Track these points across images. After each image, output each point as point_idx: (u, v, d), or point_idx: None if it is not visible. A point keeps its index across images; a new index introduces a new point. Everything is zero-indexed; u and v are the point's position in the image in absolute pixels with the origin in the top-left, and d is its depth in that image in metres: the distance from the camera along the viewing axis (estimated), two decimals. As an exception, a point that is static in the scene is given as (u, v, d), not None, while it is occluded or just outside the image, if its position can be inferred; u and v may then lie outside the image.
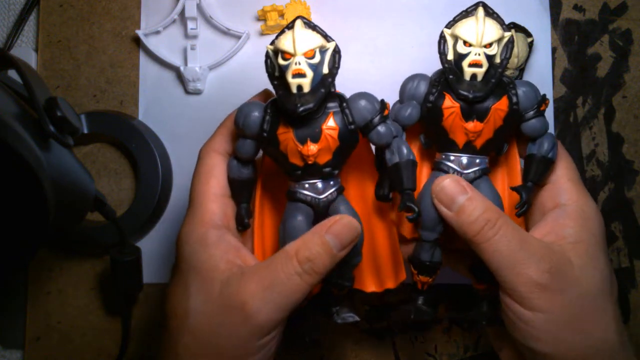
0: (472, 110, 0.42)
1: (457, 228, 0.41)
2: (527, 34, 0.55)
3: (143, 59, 0.57)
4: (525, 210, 0.43)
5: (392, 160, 0.41)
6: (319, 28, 0.40)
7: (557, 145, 0.44)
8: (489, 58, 0.41)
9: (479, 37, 0.41)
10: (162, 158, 0.55)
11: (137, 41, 0.57)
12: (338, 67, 0.40)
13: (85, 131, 0.55)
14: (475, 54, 0.41)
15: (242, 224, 0.44)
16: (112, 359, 0.56)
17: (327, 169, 0.41)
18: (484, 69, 0.41)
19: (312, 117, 0.40)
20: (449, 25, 0.43)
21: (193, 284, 0.41)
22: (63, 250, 0.57)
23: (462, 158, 0.43)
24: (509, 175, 0.46)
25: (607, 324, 0.41)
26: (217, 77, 0.57)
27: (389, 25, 0.57)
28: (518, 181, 0.45)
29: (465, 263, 0.46)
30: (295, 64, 0.38)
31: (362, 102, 0.41)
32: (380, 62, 0.57)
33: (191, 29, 0.56)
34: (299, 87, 0.39)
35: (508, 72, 0.53)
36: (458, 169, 0.43)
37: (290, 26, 0.40)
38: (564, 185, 0.43)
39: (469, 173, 0.43)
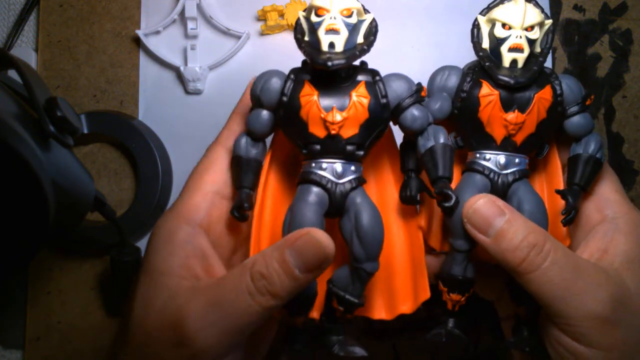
0: (513, 99, 0.37)
1: (497, 256, 0.36)
2: (527, 34, 0.55)
3: (143, 59, 0.57)
4: (573, 217, 0.38)
5: (426, 146, 0.36)
6: None
7: (603, 146, 0.40)
8: (531, 43, 0.37)
9: (521, 17, 0.37)
10: (162, 158, 0.55)
11: (137, 41, 0.57)
12: (374, 40, 0.36)
13: (85, 131, 0.55)
14: (517, 37, 0.37)
15: (240, 211, 0.38)
16: (112, 359, 0.57)
17: (351, 147, 0.36)
18: (525, 54, 0.37)
19: (341, 84, 0.36)
20: (484, 12, 0.39)
21: (141, 285, 0.37)
22: (63, 250, 0.57)
23: (499, 157, 0.38)
24: (549, 182, 0.41)
25: None
26: (217, 77, 0.57)
27: (389, 26, 0.57)
28: (559, 188, 0.40)
29: (494, 283, 0.41)
30: (331, 18, 0.35)
31: (398, 80, 0.37)
32: (381, 62, 0.56)
33: (191, 29, 0.56)
34: (331, 44, 0.35)
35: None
36: (495, 169, 0.38)
37: None
38: (611, 197, 0.39)
39: (507, 174, 0.38)
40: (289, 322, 0.38)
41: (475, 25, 0.39)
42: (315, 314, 0.39)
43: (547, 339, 0.37)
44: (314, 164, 0.37)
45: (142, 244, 0.56)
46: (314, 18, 0.36)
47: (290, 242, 0.34)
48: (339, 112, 0.35)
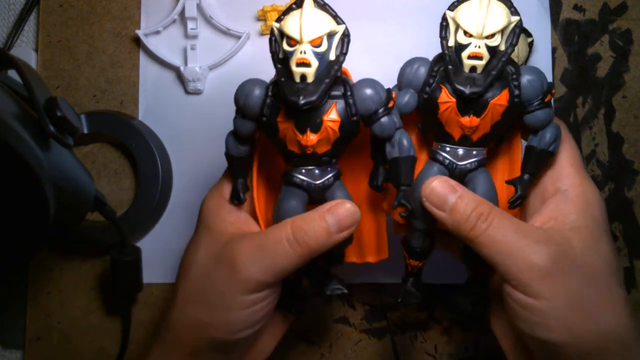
0: (468, 105, 0.40)
1: (451, 228, 0.40)
2: (527, 34, 0.55)
3: (143, 59, 0.57)
4: (519, 204, 0.41)
5: (391, 154, 0.40)
6: (330, 7, 0.38)
7: (561, 134, 0.42)
8: (491, 49, 0.38)
9: (480, 27, 0.38)
10: (162, 158, 0.55)
11: (137, 41, 0.57)
12: (346, 53, 0.38)
13: (85, 131, 0.55)
14: (475, 46, 0.38)
15: (238, 198, 0.43)
16: (112, 359, 0.56)
17: (325, 158, 0.40)
18: (484, 62, 0.38)
19: (314, 106, 0.38)
20: (452, 6, 0.40)
21: (203, 241, 0.44)
22: (63, 250, 0.57)
23: (458, 150, 0.41)
24: (510, 165, 0.44)
25: (617, 308, 0.39)
26: (217, 77, 0.57)
27: (389, 26, 0.57)
28: (519, 172, 0.43)
29: (457, 248, 0.46)
30: (301, 52, 0.37)
31: (368, 91, 0.39)
32: (380, 62, 0.57)
33: (191, 29, 0.56)
34: (303, 77, 0.37)
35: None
36: (454, 160, 0.42)
37: (299, 3, 0.38)
38: (565, 170, 0.42)
39: (465, 164, 0.42)
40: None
41: (444, 20, 0.40)
42: None
43: (503, 299, 0.41)
44: (294, 170, 0.41)
45: (142, 244, 0.56)
46: (285, 46, 0.37)
47: (328, 208, 0.40)
48: (313, 134, 0.39)
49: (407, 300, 0.44)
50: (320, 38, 0.37)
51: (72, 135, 0.40)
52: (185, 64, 0.56)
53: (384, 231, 0.45)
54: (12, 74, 0.44)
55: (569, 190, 0.42)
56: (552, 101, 0.41)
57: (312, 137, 0.39)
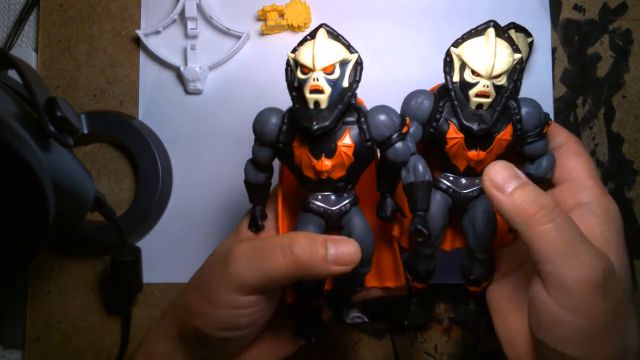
0: (476, 140, 0.41)
1: (508, 210, 0.38)
2: (527, 34, 0.55)
3: (143, 59, 0.57)
4: None
5: (407, 180, 0.40)
6: (343, 38, 0.39)
7: (556, 162, 0.43)
8: (497, 88, 0.39)
9: (489, 68, 0.39)
10: (162, 158, 0.55)
11: (137, 41, 0.57)
12: (359, 81, 0.39)
13: (85, 131, 0.55)
14: (484, 86, 0.39)
15: (256, 226, 0.44)
16: (112, 359, 0.56)
17: (341, 184, 0.41)
18: (490, 99, 0.39)
19: (328, 131, 0.39)
20: (457, 43, 0.41)
21: (225, 241, 0.46)
22: (63, 250, 0.57)
23: (461, 179, 0.43)
24: None
25: (633, 329, 0.39)
26: (217, 77, 0.57)
27: (389, 26, 0.57)
28: None
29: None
30: (314, 79, 0.37)
31: (382, 117, 0.39)
32: (380, 62, 0.57)
33: (191, 29, 0.56)
34: (316, 103, 0.38)
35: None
36: (457, 189, 0.43)
37: (313, 35, 0.39)
38: (585, 183, 0.42)
39: (467, 193, 0.43)
40: (302, 304, 0.45)
41: (448, 56, 0.41)
42: (326, 288, 0.45)
43: (531, 306, 0.39)
44: (311, 196, 0.42)
45: (142, 244, 0.56)
46: (299, 74, 0.38)
47: (334, 238, 0.40)
48: (327, 160, 0.39)
49: (413, 322, 0.45)
50: (333, 66, 0.38)
51: (72, 135, 0.40)
52: (185, 64, 0.56)
53: (399, 259, 0.46)
54: (12, 74, 0.44)
55: (591, 203, 0.41)
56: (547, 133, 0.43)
57: (326, 163, 0.39)
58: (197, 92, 0.57)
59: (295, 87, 0.39)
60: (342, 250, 0.40)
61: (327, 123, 0.37)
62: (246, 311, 0.41)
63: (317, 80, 0.37)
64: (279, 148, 0.41)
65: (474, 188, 0.42)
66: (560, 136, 0.44)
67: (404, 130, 0.40)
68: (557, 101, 0.56)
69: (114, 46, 0.58)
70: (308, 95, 0.38)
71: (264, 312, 0.43)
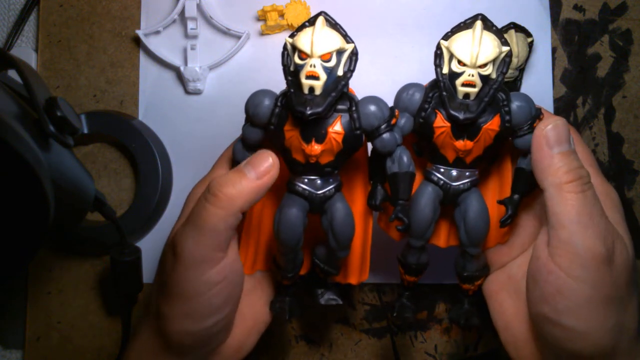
0: (463, 129, 0.41)
1: (547, 169, 0.40)
2: (527, 34, 0.55)
3: (143, 59, 0.57)
4: (509, 223, 0.42)
5: (391, 169, 0.41)
6: (341, 27, 0.40)
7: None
8: (483, 78, 0.40)
9: (473, 57, 0.40)
10: (162, 158, 0.55)
11: (137, 41, 0.57)
12: (353, 70, 0.40)
13: (85, 131, 0.55)
14: (469, 75, 0.40)
15: None
16: (112, 359, 0.56)
17: (328, 169, 0.42)
18: (477, 89, 0.40)
19: (320, 117, 0.40)
20: (446, 36, 0.42)
21: (171, 233, 0.45)
22: (63, 250, 0.57)
23: (451, 171, 0.43)
24: (500, 185, 0.46)
25: (632, 311, 0.40)
26: (217, 77, 0.57)
27: (389, 26, 0.57)
28: (509, 192, 0.44)
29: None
30: (311, 65, 0.38)
31: (372, 108, 0.40)
32: (380, 62, 0.57)
33: (191, 29, 0.56)
34: (311, 89, 0.39)
35: (508, 72, 0.53)
36: (448, 181, 0.43)
37: (312, 22, 0.40)
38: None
39: (458, 185, 0.43)
40: (280, 281, 0.46)
41: (439, 49, 0.42)
42: (302, 271, 0.46)
43: (539, 277, 0.40)
44: (297, 179, 0.42)
45: (142, 244, 0.56)
46: (297, 59, 0.39)
47: (247, 161, 0.41)
48: (317, 145, 0.40)
49: (401, 314, 0.46)
50: (330, 54, 0.39)
51: (72, 135, 0.40)
52: (185, 64, 0.56)
53: (368, 253, 0.46)
54: (12, 74, 0.44)
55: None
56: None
57: (316, 147, 0.40)
58: (197, 92, 0.57)
59: (291, 72, 0.40)
60: (260, 167, 0.40)
61: (320, 109, 0.38)
62: (217, 288, 0.41)
63: (314, 66, 0.38)
64: (270, 130, 0.41)
65: (465, 180, 0.43)
66: None
67: (393, 121, 0.41)
68: (557, 101, 0.56)
69: (114, 46, 0.58)
70: (304, 80, 0.38)
71: (235, 281, 0.43)
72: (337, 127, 0.40)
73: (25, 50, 0.58)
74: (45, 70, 0.58)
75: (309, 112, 0.38)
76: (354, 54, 0.40)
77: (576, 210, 0.39)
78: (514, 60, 0.53)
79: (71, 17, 0.58)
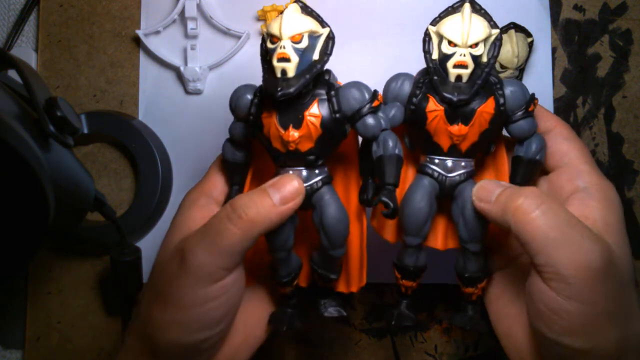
0: (456, 113, 0.40)
1: (497, 213, 0.39)
2: (527, 34, 0.55)
3: (143, 59, 0.57)
4: None
5: (376, 153, 0.40)
6: (315, 13, 0.39)
7: (546, 144, 0.42)
8: (475, 58, 0.40)
9: (465, 37, 0.39)
10: (162, 158, 0.55)
11: (137, 41, 0.57)
12: (330, 54, 0.39)
13: (85, 131, 0.55)
14: (461, 55, 0.39)
15: None
16: (112, 359, 0.56)
17: (311, 157, 0.40)
18: (469, 70, 0.39)
19: (296, 102, 0.39)
20: (434, 22, 0.41)
21: (166, 238, 0.44)
22: (63, 250, 0.57)
23: (446, 161, 0.42)
24: (497, 177, 0.44)
25: (637, 313, 0.38)
26: (217, 77, 0.57)
27: (389, 25, 0.57)
28: (506, 180, 0.43)
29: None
30: (281, 47, 0.38)
31: (352, 91, 0.40)
32: (380, 61, 0.57)
33: (191, 29, 0.56)
34: (283, 72, 0.38)
35: (508, 73, 0.53)
36: (443, 173, 0.42)
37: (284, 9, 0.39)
38: (581, 168, 0.41)
39: (454, 176, 0.42)
40: (279, 290, 0.44)
41: (427, 35, 0.41)
42: (303, 283, 0.45)
43: (529, 297, 0.38)
44: (282, 172, 0.41)
45: (142, 244, 0.56)
46: (269, 45, 0.39)
47: (271, 183, 0.40)
48: (295, 130, 0.39)
49: (400, 324, 0.44)
50: (301, 35, 0.38)
51: (72, 135, 0.40)
52: (185, 64, 0.56)
53: (365, 256, 0.44)
54: (12, 74, 0.44)
55: (589, 188, 0.41)
56: (534, 112, 0.42)
57: (293, 133, 0.39)
58: (197, 92, 0.57)
59: (267, 60, 0.39)
60: (285, 191, 0.39)
61: (291, 90, 0.37)
62: (216, 302, 0.40)
63: (284, 48, 0.38)
64: (250, 121, 0.41)
65: (461, 171, 0.42)
66: (548, 120, 0.44)
67: (375, 103, 0.40)
68: (557, 101, 0.56)
69: (114, 46, 0.58)
70: (275, 63, 0.38)
71: (235, 299, 0.41)
72: (314, 110, 0.39)
73: (25, 50, 0.58)
74: (45, 70, 0.58)
75: (279, 93, 0.37)
76: (331, 38, 0.39)
77: (540, 232, 0.36)
78: (514, 60, 0.53)
79: (71, 17, 0.58)
